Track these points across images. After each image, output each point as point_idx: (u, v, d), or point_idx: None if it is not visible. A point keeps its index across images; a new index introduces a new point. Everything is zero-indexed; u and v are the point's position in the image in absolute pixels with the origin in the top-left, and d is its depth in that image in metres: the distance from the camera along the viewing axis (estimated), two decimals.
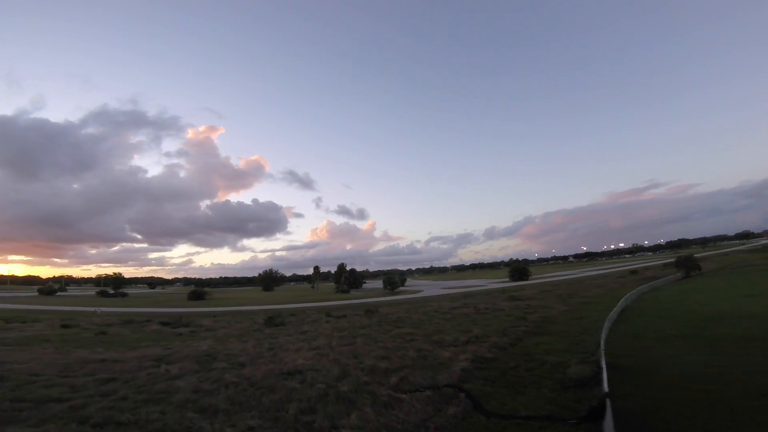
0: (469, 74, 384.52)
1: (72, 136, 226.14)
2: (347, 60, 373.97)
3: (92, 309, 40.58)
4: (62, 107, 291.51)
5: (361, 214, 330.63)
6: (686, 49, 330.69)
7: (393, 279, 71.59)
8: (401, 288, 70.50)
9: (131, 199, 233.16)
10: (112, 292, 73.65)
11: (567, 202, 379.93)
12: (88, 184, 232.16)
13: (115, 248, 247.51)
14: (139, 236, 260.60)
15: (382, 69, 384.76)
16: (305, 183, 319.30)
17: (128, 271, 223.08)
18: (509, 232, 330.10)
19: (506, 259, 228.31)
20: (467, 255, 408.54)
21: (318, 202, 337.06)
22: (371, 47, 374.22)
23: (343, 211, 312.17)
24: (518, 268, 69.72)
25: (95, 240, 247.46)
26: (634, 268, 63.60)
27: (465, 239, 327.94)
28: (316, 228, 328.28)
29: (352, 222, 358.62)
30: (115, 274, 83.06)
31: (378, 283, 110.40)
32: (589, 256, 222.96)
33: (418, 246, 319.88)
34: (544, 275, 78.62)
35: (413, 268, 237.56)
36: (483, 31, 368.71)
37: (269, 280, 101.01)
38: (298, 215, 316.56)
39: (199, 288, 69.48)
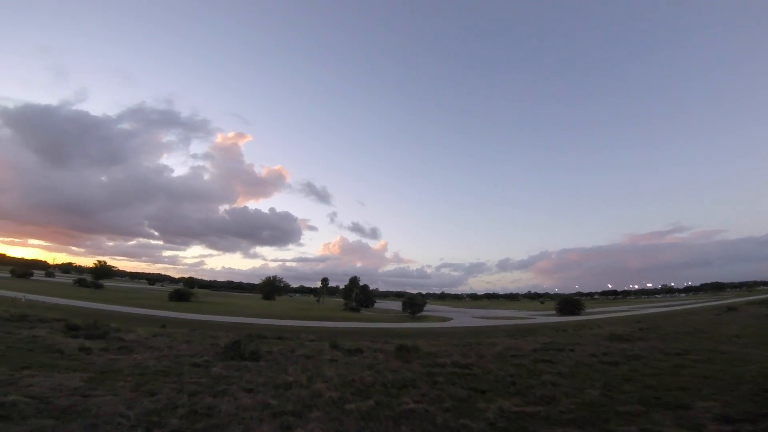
0: (496, 100, 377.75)
1: (107, 130, 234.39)
2: (373, 78, 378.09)
3: (14, 295, 30.67)
4: (103, 101, 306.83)
5: (374, 233, 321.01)
6: (720, 90, 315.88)
7: (416, 301, 58.95)
8: (423, 312, 58.19)
9: (153, 196, 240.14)
10: (89, 281, 64.45)
11: (585, 240, 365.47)
12: (115, 178, 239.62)
13: (132, 242, 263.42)
14: (155, 233, 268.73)
15: (406, 91, 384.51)
16: (322, 196, 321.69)
17: (140, 266, 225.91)
18: (523, 265, 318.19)
19: (520, 291, 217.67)
20: (478, 284, 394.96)
21: (333, 216, 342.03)
22: (398, 68, 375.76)
23: (356, 228, 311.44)
24: (570, 301, 56.58)
25: (113, 232, 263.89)
26: (725, 305, 50.36)
27: (477, 268, 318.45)
28: (329, 243, 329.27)
29: (364, 240, 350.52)
30: (100, 263, 73.91)
31: (389, 304, 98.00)
32: (615, 294, 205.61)
33: (428, 271, 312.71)
34: (593, 310, 64.68)
35: (423, 292, 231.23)
36: (511, 57, 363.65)
37: (270, 288, 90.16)
38: (312, 228, 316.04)
39: (185, 288, 59.13)
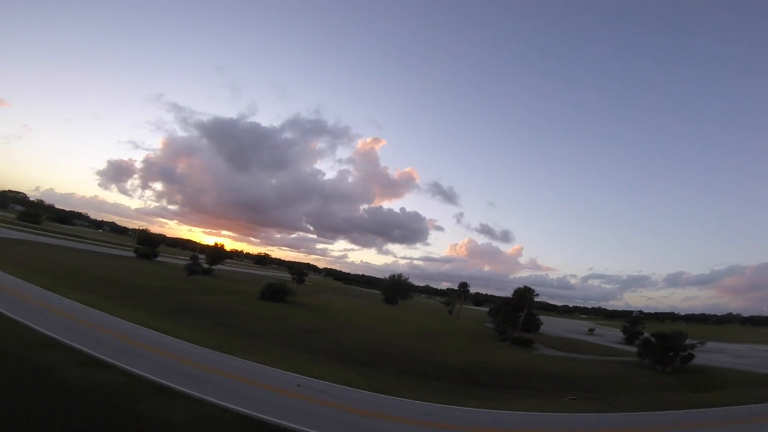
0: (665, 89, 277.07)
1: (274, 139, 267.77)
2: (503, 76, 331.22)
3: None
4: (268, 113, 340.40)
5: (505, 237, 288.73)
6: None
7: (681, 339, 29.61)
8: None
9: (310, 196, 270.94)
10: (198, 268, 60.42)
11: None
12: (282, 181, 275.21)
13: (293, 236, 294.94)
14: (311, 228, 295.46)
15: (540, 87, 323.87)
16: (448, 196, 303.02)
17: (299, 256, 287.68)
18: (702, 281, 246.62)
19: (694, 311, 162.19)
20: (636, 300, 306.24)
21: (459, 217, 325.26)
22: (535, 63, 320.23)
23: (485, 230, 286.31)
24: None
25: (280, 226, 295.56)
26: None
27: (637, 282, 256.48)
28: (456, 244, 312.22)
29: (494, 243, 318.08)
30: (262, 254, 71.42)
31: (551, 324, 68.15)
32: None
33: (572, 281, 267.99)
34: None
35: (570, 305, 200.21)
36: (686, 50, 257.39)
37: (394, 288, 73.34)
38: (439, 228, 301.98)
39: (281, 284, 46.25)
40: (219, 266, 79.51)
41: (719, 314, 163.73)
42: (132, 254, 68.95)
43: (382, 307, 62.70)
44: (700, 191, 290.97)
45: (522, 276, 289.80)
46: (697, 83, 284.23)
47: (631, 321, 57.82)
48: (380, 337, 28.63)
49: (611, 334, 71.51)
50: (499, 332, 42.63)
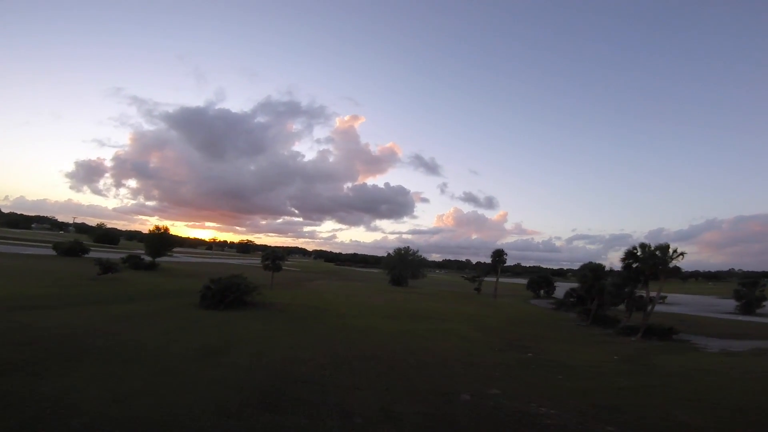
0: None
1: (247, 124, 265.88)
2: (475, 43, 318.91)
3: None
4: (237, 98, 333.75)
5: (490, 203, 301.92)
6: None
7: None
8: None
9: (291, 179, 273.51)
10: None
11: None
12: (260, 166, 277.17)
13: (279, 221, 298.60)
14: (296, 211, 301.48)
15: (513, 52, 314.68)
16: (431, 168, 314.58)
17: (287, 241, 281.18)
18: (682, 237, 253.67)
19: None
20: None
21: (443, 188, 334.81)
22: (501, 35, 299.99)
23: (470, 198, 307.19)
24: None
25: (265, 212, 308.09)
26: None
27: (620, 241, 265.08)
28: (442, 215, 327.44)
29: (480, 211, 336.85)
30: (245, 241, 54.53)
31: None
32: None
33: (558, 243, 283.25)
34: None
35: (555, 268, 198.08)
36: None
37: (401, 265, 58.19)
38: (425, 200, 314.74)
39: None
40: (174, 258, 62.83)
41: (701, 270, 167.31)
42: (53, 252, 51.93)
43: (391, 291, 47.42)
44: (675, 145, 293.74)
45: (509, 241, 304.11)
46: (670, 41, 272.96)
47: (748, 283, 43.99)
48: (424, 370, 13.27)
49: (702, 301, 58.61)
50: (579, 318, 28.17)
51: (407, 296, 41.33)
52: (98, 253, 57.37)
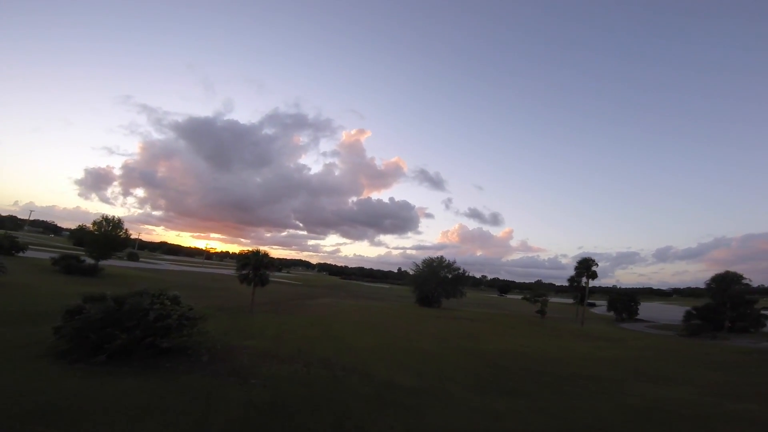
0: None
1: (254, 136, 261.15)
2: (480, 57, 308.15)
3: None
4: (244, 109, 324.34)
5: (495, 219, 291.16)
6: None
7: None
8: None
9: (297, 192, 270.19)
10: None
11: None
12: (267, 178, 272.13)
13: (284, 234, 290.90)
14: (300, 224, 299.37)
15: (519, 67, 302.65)
16: (436, 183, 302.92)
17: (291, 254, 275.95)
18: (690, 255, 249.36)
19: (681, 286, 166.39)
20: (628, 277, 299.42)
21: (448, 203, 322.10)
22: (505, 48, 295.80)
23: (475, 214, 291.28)
24: None
25: (269, 225, 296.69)
26: None
27: (627, 258, 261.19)
28: (447, 230, 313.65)
29: (485, 227, 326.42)
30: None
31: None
32: None
33: (564, 261, 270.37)
34: None
35: (562, 285, 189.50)
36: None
37: (435, 281, 44.20)
38: (429, 216, 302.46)
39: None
40: (149, 263, 49.77)
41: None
42: None
43: (430, 317, 33.36)
44: (683, 162, 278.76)
45: (514, 258, 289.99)
46: (679, 57, 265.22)
47: None
48: None
49: None
50: None
51: (456, 324, 27.53)
52: (45, 253, 44.83)
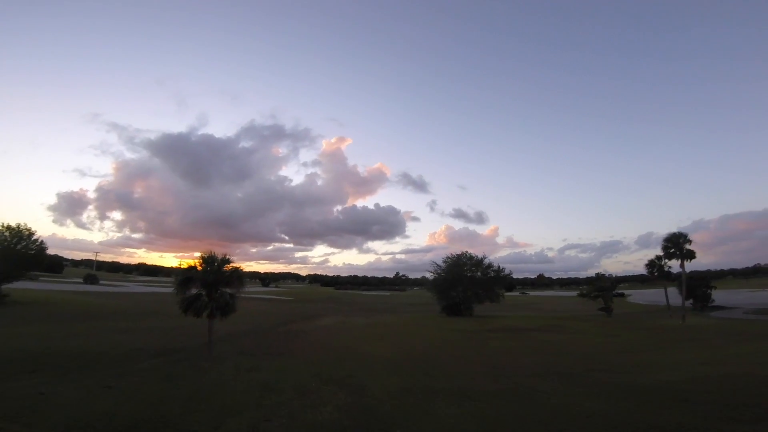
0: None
1: (231, 149, 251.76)
2: (455, 57, 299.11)
3: None
4: (219, 123, 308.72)
5: (480, 218, 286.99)
6: None
7: None
8: None
9: (280, 204, 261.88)
10: None
11: (754, 203, 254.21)
12: (247, 192, 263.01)
13: (270, 248, 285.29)
14: (286, 237, 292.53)
15: (496, 63, 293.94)
16: (419, 185, 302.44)
17: (279, 267, 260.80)
18: None
19: (670, 271, 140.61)
20: (614, 266, 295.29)
21: (432, 205, 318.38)
22: (481, 46, 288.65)
23: (460, 214, 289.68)
24: None
25: (254, 240, 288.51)
26: None
27: (611, 247, 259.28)
28: (434, 232, 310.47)
29: (471, 227, 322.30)
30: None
31: None
32: None
33: (550, 254, 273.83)
34: None
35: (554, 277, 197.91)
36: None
37: (464, 284, 34.75)
38: (415, 219, 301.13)
39: None
40: (98, 287, 38.70)
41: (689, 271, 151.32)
42: None
43: (499, 337, 23.75)
44: (658, 147, 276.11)
45: (502, 255, 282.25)
46: (647, 43, 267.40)
47: None
48: None
49: None
50: None
51: (535, 342, 18.23)
52: None
